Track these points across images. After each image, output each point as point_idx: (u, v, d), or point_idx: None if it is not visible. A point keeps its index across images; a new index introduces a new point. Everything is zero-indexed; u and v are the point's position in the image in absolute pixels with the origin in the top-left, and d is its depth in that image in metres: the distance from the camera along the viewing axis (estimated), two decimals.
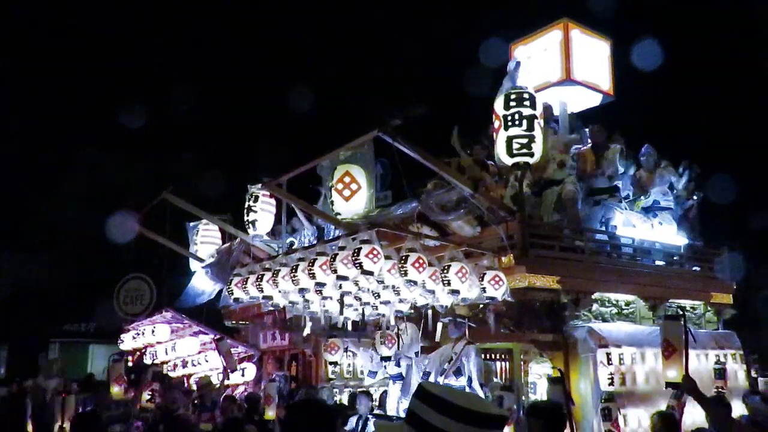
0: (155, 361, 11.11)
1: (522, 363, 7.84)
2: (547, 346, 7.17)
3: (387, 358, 7.87)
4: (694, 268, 8.93)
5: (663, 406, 6.00)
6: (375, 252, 5.87)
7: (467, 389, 6.77)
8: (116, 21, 26.39)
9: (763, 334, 13.36)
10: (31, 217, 21.26)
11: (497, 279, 6.48)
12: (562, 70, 9.21)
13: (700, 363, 7.59)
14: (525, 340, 7.39)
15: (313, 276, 6.29)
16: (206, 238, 11.06)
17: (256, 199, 8.80)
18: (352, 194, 7.15)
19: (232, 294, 7.56)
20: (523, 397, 7.56)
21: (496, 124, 6.92)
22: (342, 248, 6.08)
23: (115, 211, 11.22)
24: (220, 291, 9.85)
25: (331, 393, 9.37)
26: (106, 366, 9.92)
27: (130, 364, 10.05)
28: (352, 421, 7.40)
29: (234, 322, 11.59)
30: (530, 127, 6.71)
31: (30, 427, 7.69)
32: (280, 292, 6.99)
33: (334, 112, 20.65)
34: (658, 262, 8.49)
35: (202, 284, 10.67)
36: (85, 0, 24.69)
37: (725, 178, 12.07)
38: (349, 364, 10.05)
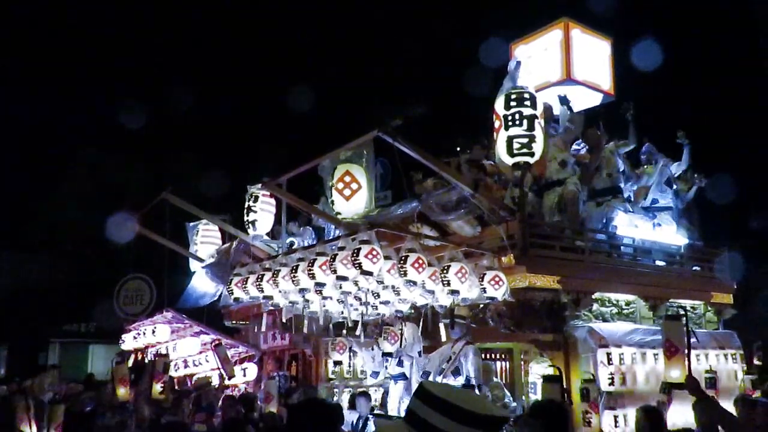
0: (160, 351, 10.99)
1: (522, 363, 7.84)
2: (547, 346, 7.16)
3: (389, 354, 7.86)
4: (694, 268, 8.93)
5: None
6: (374, 252, 5.87)
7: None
8: (116, 21, 26.40)
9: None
10: (31, 217, 21.25)
11: (497, 279, 6.47)
12: (563, 70, 9.22)
13: (699, 363, 7.58)
14: (525, 340, 7.39)
15: (312, 276, 6.29)
16: (206, 238, 11.06)
17: (256, 199, 8.81)
18: (352, 194, 7.16)
19: (232, 294, 7.56)
20: (523, 397, 7.57)
21: (497, 124, 6.92)
22: (341, 248, 6.08)
23: (115, 211, 11.20)
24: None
25: (332, 393, 9.37)
26: (109, 368, 9.89)
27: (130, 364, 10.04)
28: (352, 421, 7.40)
29: (234, 321, 11.59)
30: (531, 127, 6.71)
31: (31, 428, 7.67)
32: (280, 292, 6.99)
33: (334, 112, 20.67)
34: (658, 262, 8.49)
35: (203, 285, 10.66)
36: (85, 0, 24.70)
37: (725, 178, 12.06)
38: (349, 364, 10.05)
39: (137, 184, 19.20)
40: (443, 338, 7.75)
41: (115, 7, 25.86)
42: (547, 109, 8.28)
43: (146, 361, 10.83)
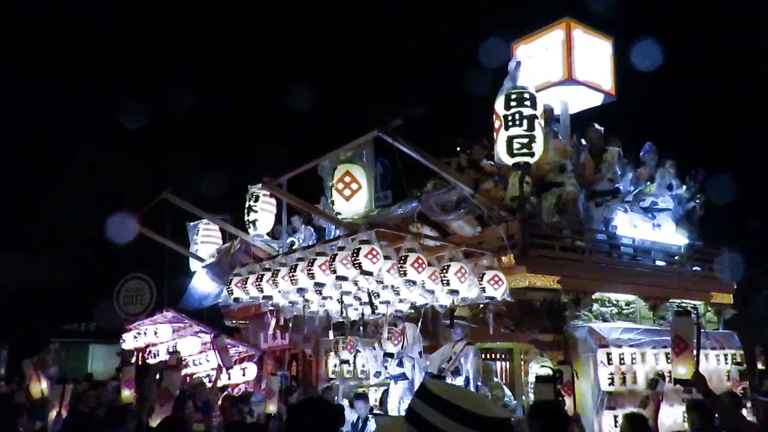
0: (170, 350, 10.94)
1: (522, 363, 7.84)
2: (547, 346, 7.17)
3: (390, 355, 7.86)
4: (694, 268, 8.93)
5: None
6: (374, 252, 5.87)
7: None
8: (116, 21, 26.43)
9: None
10: (31, 217, 21.24)
11: (497, 279, 6.47)
12: (564, 70, 9.18)
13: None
14: (525, 340, 7.39)
15: (312, 276, 6.29)
16: (206, 238, 11.06)
17: (257, 198, 8.81)
18: (352, 194, 7.17)
19: (232, 294, 7.56)
20: (523, 397, 7.56)
21: (497, 123, 6.92)
22: (341, 248, 6.09)
23: (115, 211, 11.21)
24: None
25: (335, 393, 9.34)
26: (114, 368, 9.83)
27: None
28: (352, 421, 7.40)
29: (234, 321, 11.58)
30: (531, 127, 6.72)
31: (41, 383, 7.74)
32: (279, 292, 6.99)
33: (334, 112, 20.67)
34: (658, 262, 8.49)
35: (204, 285, 10.66)
36: (85, 0, 24.71)
37: (725, 178, 12.06)
38: (349, 364, 10.02)
39: (137, 184, 19.20)
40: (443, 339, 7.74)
41: (115, 7, 25.91)
42: (548, 110, 8.29)
43: (150, 363, 10.84)
